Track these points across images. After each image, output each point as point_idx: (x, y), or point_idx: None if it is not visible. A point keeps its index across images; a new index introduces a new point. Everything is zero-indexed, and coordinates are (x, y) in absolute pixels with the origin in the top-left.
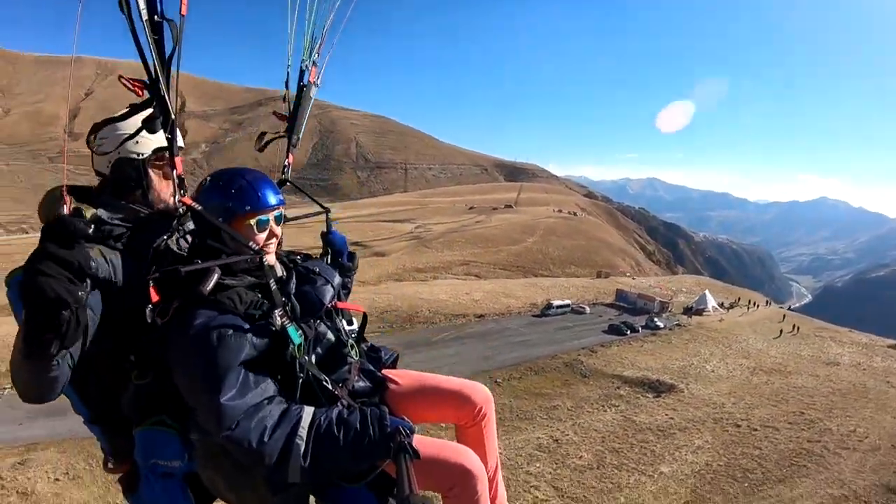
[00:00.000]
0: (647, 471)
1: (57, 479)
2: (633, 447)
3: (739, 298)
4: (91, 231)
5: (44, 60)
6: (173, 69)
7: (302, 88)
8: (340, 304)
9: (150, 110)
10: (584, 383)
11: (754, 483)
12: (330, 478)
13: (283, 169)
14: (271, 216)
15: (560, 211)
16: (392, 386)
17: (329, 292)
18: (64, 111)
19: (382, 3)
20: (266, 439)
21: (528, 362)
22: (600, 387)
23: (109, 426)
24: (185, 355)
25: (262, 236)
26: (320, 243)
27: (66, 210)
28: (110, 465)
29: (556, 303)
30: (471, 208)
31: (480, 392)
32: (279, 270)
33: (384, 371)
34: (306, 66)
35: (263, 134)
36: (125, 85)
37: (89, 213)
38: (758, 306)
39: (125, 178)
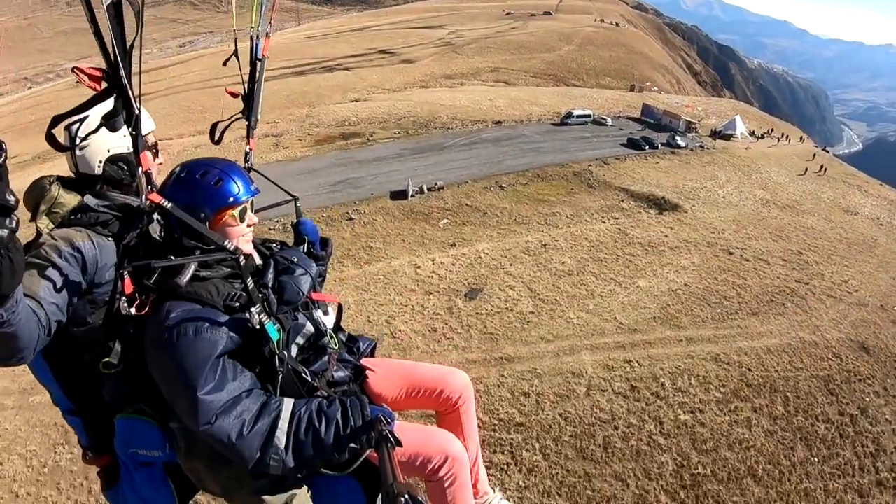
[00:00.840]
0: (625, 283)
1: None
2: (617, 259)
3: (773, 129)
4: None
5: None
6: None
7: (256, 63)
8: (316, 296)
9: (110, 104)
10: (588, 193)
11: (727, 311)
12: (312, 469)
13: (246, 156)
14: (248, 205)
15: (602, 21)
16: (371, 375)
17: (307, 282)
18: None
19: None
20: (245, 433)
21: (537, 169)
22: (604, 198)
23: (90, 417)
24: (162, 349)
25: (243, 226)
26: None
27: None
28: (89, 457)
29: (576, 112)
30: (507, 14)
31: (459, 379)
32: (257, 259)
33: (363, 360)
34: (259, 38)
35: (216, 124)
36: (80, 78)
37: (75, 200)
38: (789, 140)
39: (118, 177)
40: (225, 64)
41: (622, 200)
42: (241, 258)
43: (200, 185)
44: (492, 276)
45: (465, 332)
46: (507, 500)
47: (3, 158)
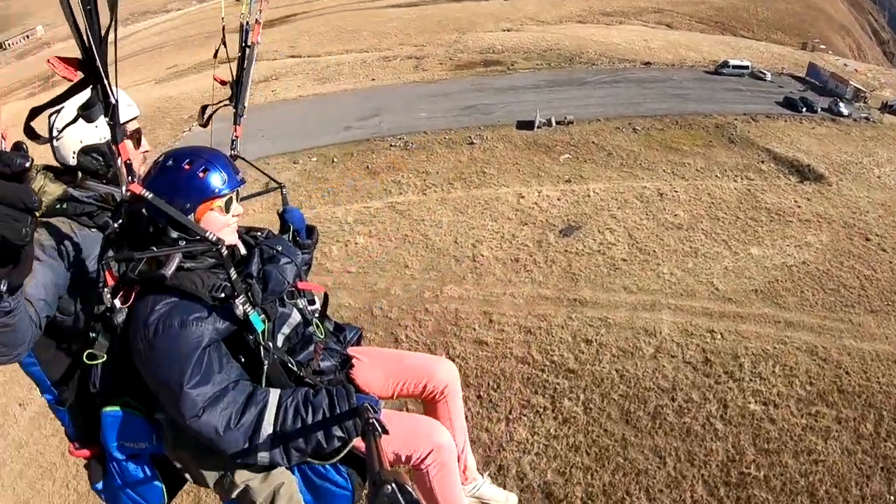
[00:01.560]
0: (735, 247)
1: None
2: (736, 221)
3: None
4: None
5: None
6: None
7: (244, 50)
8: (301, 285)
9: (86, 94)
10: (726, 148)
11: (843, 302)
12: (300, 459)
13: (232, 143)
14: (234, 196)
15: None
16: (357, 364)
17: (292, 271)
18: None
19: None
20: (232, 425)
21: (677, 116)
22: (742, 156)
23: (76, 408)
24: (146, 342)
25: (228, 217)
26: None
27: (5, 146)
28: (76, 449)
29: (732, 62)
30: None
31: (446, 369)
32: (242, 249)
33: (349, 349)
34: (248, 25)
35: (205, 107)
36: (54, 68)
37: (60, 189)
38: None
39: (93, 168)
40: (215, 56)
41: (762, 161)
42: (224, 249)
43: (185, 176)
44: (594, 217)
45: (546, 267)
46: (496, 484)
47: (29, 163)
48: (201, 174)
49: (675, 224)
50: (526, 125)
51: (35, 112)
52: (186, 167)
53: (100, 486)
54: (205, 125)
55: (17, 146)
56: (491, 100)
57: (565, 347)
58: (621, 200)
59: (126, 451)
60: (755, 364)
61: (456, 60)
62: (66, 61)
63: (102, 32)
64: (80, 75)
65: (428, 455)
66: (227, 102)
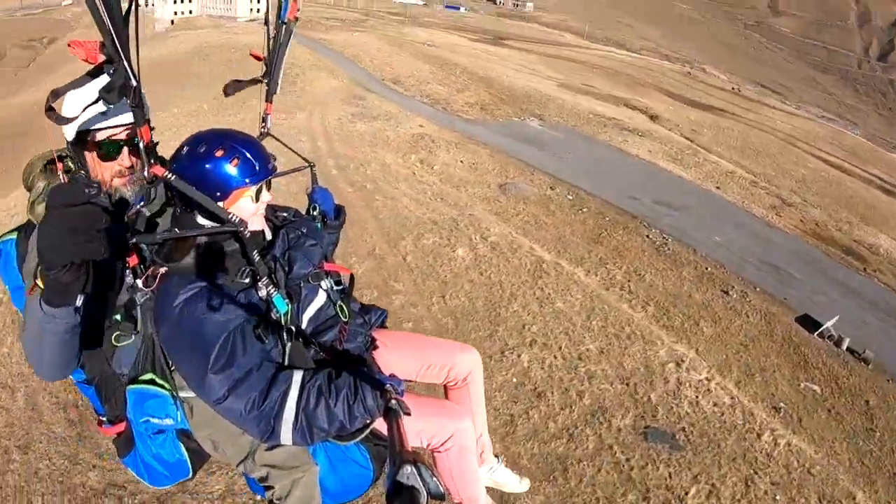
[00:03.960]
0: None
1: None
2: None
3: None
4: (95, 192)
5: None
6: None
7: (281, 26)
8: (328, 266)
9: (105, 77)
10: None
11: None
12: (322, 438)
13: (264, 120)
14: (265, 183)
15: None
16: (381, 346)
17: (318, 253)
18: None
19: None
20: (256, 408)
21: None
22: None
23: (102, 386)
24: (171, 325)
25: (258, 205)
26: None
27: (62, 177)
28: (104, 425)
29: None
30: None
31: (469, 356)
32: (268, 234)
33: (373, 332)
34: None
35: (237, 82)
36: (75, 52)
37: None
38: None
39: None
40: (266, 23)
41: None
42: (247, 233)
43: (217, 164)
44: None
45: None
46: (509, 468)
47: (96, 191)
48: (233, 163)
49: None
50: None
51: (56, 94)
52: (218, 154)
53: (128, 459)
54: (227, 95)
55: (87, 181)
56: None
57: None
58: None
59: (152, 428)
60: None
61: (820, 229)
62: (88, 45)
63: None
64: (102, 58)
65: (448, 439)
66: (260, 80)
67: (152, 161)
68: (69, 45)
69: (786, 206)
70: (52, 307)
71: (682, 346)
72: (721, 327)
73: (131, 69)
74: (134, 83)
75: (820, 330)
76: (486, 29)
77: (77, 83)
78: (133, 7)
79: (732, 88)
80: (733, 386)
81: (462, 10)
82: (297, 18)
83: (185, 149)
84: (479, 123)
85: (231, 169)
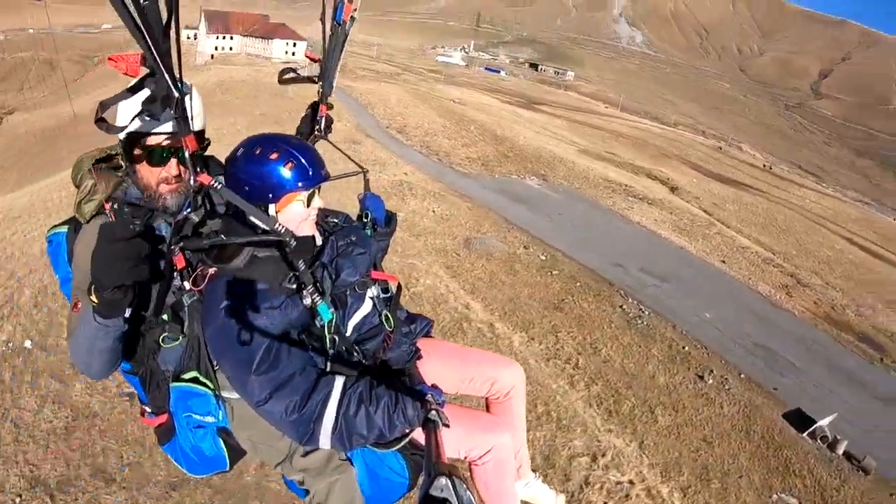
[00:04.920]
0: None
1: None
2: None
3: None
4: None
5: (808, 15)
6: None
7: (336, 27)
8: (375, 274)
9: (147, 91)
10: None
11: None
12: (361, 445)
13: (318, 123)
14: (317, 189)
15: None
16: (424, 356)
17: (365, 261)
18: (816, 67)
19: None
20: (298, 410)
21: None
22: None
23: (147, 379)
24: (217, 327)
25: (309, 210)
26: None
27: (110, 215)
28: (147, 416)
29: None
30: None
31: (514, 370)
32: (318, 240)
33: (417, 341)
34: (342, 1)
35: (292, 71)
36: (116, 66)
37: (112, 182)
38: None
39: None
40: (322, 22)
41: None
42: (293, 242)
43: (271, 167)
44: None
45: None
46: (546, 485)
47: (140, 227)
48: (287, 167)
49: None
50: None
51: (104, 105)
52: (273, 157)
53: (168, 447)
54: (280, 83)
55: (127, 219)
56: None
57: None
58: None
59: (193, 422)
60: None
61: (837, 313)
62: (128, 58)
63: (163, 24)
64: (143, 71)
65: (487, 452)
66: (315, 80)
67: (199, 169)
68: (109, 60)
69: (800, 287)
70: (104, 319)
71: (620, 436)
72: (683, 418)
73: (173, 81)
74: (176, 94)
75: (812, 429)
76: (522, 93)
77: (123, 95)
78: (173, 19)
79: (763, 166)
80: (673, 493)
81: (502, 73)
82: (353, 18)
83: (240, 151)
84: (472, 177)
85: (285, 172)
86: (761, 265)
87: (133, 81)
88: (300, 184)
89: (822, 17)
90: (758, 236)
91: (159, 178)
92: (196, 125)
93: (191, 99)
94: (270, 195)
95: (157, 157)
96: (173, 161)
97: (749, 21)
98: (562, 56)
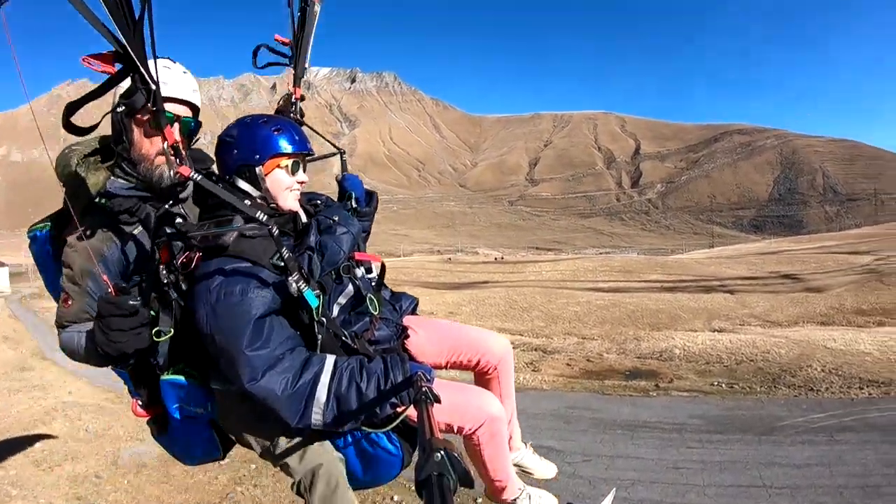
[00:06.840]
0: None
1: None
2: None
3: None
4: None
5: (504, 120)
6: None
7: (304, 9)
8: (358, 255)
9: (126, 82)
10: None
11: None
12: (352, 424)
13: (293, 105)
14: (301, 161)
15: None
16: (412, 334)
17: (348, 241)
18: (525, 161)
19: None
20: (290, 389)
21: None
22: None
23: (136, 373)
24: (208, 307)
25: (292, 180)
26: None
27: (111, 289)
28: (139, 410)
29: None
30: None
31: (501, 343)
32: (303, 217)
33: (404, 319)
34: None
35: (270, 50)
36: (90, 65)
37: (101, 175)
38: None
39: (114, 136)
40: (288, 4)
41: None
42: (275, 230)
43: (260, 129)
44: None
45: None
46: (537, 455)
47: (138, 305)
48: (274, 131)
49: None
50: None
51: (72, 108)
52: (262, 123)
53: (162, 438)
54: (255, 66)
55: (126, 291)
56: (576, 450)
57: None
58: None
59: (184, 414)
60: None
61: (595, 363)
62: (101, 57)
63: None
64: (117, 67)
65: (480, 426)
66: (287, 63)
67: (178, 162)
68: (82, 61)
69: (547, 355)
70: (106, 365)
71: None
72: None
73: (148, 73)
74: (153, 86)
75: None
76: None
77: (94, 94)
78: (146, 13)
79: (496, 259)
80: None
81: None
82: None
83: (237, 121)
84: None
85: (273, 134)
86: None
87: (104, 79)
88: (286, 146)
89: (517, 118)
90: (501, 325)
91: (158, 149)
92: (195, 99)
93: (184, 74)
94: (257, 156)
95: (161, 119)
96: (176, 126)
97: (456, 142)
98: None
